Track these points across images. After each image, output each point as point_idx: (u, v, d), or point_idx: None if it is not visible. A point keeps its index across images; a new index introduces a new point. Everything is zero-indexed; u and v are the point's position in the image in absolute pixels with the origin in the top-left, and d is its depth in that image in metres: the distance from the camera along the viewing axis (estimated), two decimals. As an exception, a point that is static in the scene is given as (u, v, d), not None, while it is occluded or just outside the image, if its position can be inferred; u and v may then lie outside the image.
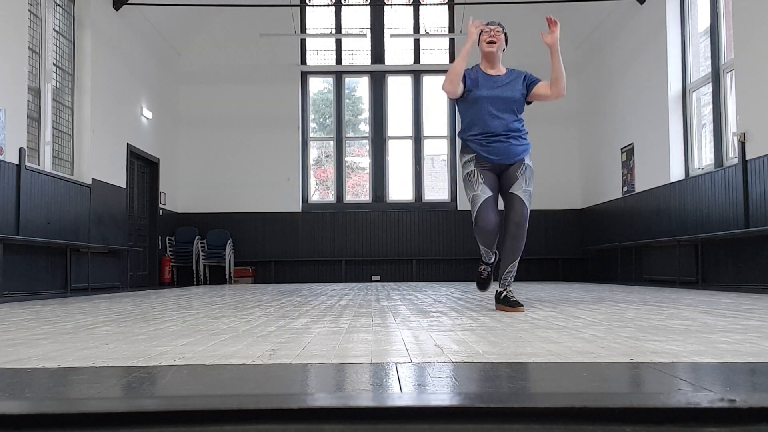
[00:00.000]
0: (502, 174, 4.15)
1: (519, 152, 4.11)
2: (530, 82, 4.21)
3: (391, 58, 13.17)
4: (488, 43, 4.17)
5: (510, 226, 4.08)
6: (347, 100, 13.50)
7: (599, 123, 11.81)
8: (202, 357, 1.95)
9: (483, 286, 4.54)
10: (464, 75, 4.20)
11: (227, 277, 12.33)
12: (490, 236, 4.14)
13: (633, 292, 6.73)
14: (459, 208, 12.79)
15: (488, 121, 4.10)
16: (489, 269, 4.49)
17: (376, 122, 13.11)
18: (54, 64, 8.34)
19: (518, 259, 4.20)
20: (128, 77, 10.34)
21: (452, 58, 13.08)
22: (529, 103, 4.25)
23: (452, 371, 1.70)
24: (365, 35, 12.79)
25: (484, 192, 4.06)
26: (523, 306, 3.99)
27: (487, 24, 4.25)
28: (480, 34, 4.22)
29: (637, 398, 0.63)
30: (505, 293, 4.07)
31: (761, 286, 6.76)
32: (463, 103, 4.25)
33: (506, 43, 4.29)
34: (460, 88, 4.19)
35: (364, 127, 13.46)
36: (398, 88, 13.27)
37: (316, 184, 13.59)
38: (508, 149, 4.09)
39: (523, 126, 4.19)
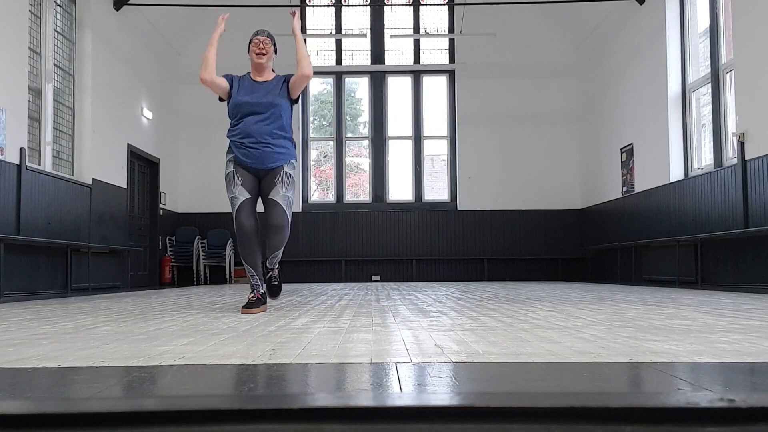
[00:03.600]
0: (261, 179, 4.26)
1: (276, 159, 4.21)
2: (286, 80, 4.35)
3: (391, 58, 13.17)
4: (257, 54, 4.34)
5: (270, 229, 4.20)
6: (347, 101, 13.50)
7: (599, 123, 11.81)
8: (202, 357, 1.95)
9: (253, 306, 4.10)
10: (231, 78, 4.38)
11: (228, 277, 12.33)
12: (250, 242, 4.17)
13: (632, 292, 6.73)
14: (459, 208, 12.80)
15: (248, 125, 4.21)
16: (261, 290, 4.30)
17: (376, 122, 13.11)
18: (54, 64, 8.34)
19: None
20: (128, 77, 10.34)
21: (452, 59, 13.09)
22: (296, 101, 4.39)
23: (452, 371, 1.70)
24: (365, 35, 12.79)
25: (241, 194, 4.18)
26: (277, 296, 4.37)
27: (257, 34, 4.40)
28: (250, 43, 4.40)
29: (636, 398, 0.63)
30: (273, 276, 4.32)
31: (761, 286, 6.77)
32: (230, 106, 4.35)
33: (275, 53, 4.47)
34: (222, 84, 4.32)
35: (364, 128, 13.46)
36: (398, 89, 13.27)
37: (316, 184, 13.59)
38: (265, 155, 4.20)
39: (285, 133, 4.28)
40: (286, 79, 4.36)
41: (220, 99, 4.46)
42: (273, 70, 4.44)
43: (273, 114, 4.22)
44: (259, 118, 4.20)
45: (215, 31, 4.42)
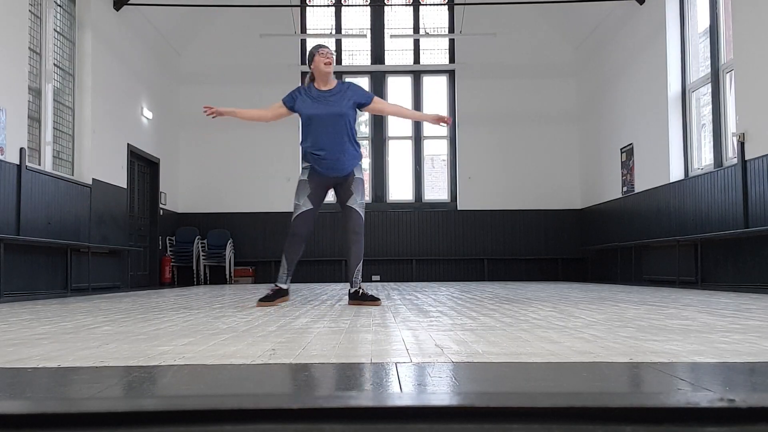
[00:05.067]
0: (335, 185, 4.77)
1: (347, 166, 4.66)
2: (359, 99, 4.71)
3: (391, 58, 13.17)
4: (326, 64, 4.67)
5: (349, 234, 4.72)
6: (347, 100, 13.49)
7: (599, 123, 11.81)
8: (202, 357, 1.95)
9: (269, 299, 4.59)
10: (293, 97, 4.75)
11: (227, 277, 12.34)
12: (297, 244, 4.66)
13: (632, 292, 6.73)
14: (459, 208, 12.80)
15: (320, 136, 4.60)
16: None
17: (376, 122, 13.12)
18: (54, 64, 8.35)
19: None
20: (128, 77, 10.34)
21: (452, 59, 13.09)
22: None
23: (452, 371, 1.70)
24: (365, 35, 12.79)
25: (305, 205, 4.69)
26: (379, 300, 4.65)
27: (321, 47, 4.73)
28: (312, 56, 4.72)
29: (636, 398, 0.63)
30: (360, 291, 4.66)
31: (760, 285, 6.77)
32: (302, 119, 4.74)
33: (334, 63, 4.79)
34: (283, 111, 4.79)
35: (364, 128, 13.46)
36: (398, 89, 13.27)
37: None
38: (337, 164, 4.62)
39: (352, 139, 4.68)
40: (355, 98, 4.68)
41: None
42: (335, 80, 4.80)
43: (341, 124, 4.60)
44: (329, 129, 4.58)
45: (227, 111, 4.80)
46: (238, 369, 1.74)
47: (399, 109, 5.54)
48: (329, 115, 4.56)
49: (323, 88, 4.68)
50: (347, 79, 13.31)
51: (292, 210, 4.75)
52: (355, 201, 4.72)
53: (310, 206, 4.68)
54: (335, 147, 4.57)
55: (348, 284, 4.76)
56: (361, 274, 4.78)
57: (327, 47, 4.74)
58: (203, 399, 0.63)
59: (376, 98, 4.84)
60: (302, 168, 4.81)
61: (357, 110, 4.71)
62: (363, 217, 4.78)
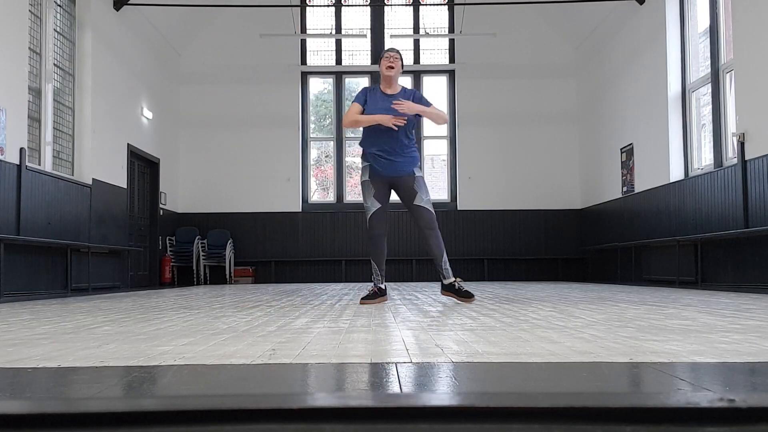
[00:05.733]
0: (396, 185, 4.83)
1: (407, 167, 4.75)
2: (418, 101, 4.81)
3: (391, 58, 13.15)
4: (387, 68, 4.81)
5: (425, 232, 4.80)
6: (347, 101, 13.49)
7: (599, 123, 11.81)
8: (202, 357, 1.95)
9: (370, 297, 4.81)
10: (364, 94, 4.84)
11: (227, 277, 12.34)
12: (379, 244, 4.81)
13: (632, 292, 6.73)
14: (459, 208, 12.80)
15: (381, 137, 4.70)
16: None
17: (376, 122, 13.10)
18: (54, 64, 8.35)
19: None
20: (128, 77, 10.34)
21: (452, 59, 13.09)
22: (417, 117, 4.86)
23: (452, 371, 1.70)
24: (365, 35, 12.79)
25: (374, 205, 4.81)
26: (473, 297, 4.73)
27: (387, 51, 4.92)
28: (380, 59, 4.91)
29: (636, 398, 0.63)
30: (456, 284, 4.72)
31: (760, 286, 6.77)
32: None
33: (402, 68, 4.95)
34: (360, 113, 4.81)
35: (364, 127, 13.44)
36: (398, 88, 13.25)
37: (316, 184, 13.59)
38: (397, 165, 4.73)
39: (412, 141, 4.81)
40: (415, 96, 4.83)
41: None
42: (399, 84, 4.91)
43: (402, 128, 4.68)
44: (390, 131, 4.67)
45: (378, 118, 4.69)
46: (238, 369, 1.74)
47: (430, 116, 5.07)
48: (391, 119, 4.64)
49: (388, 92, 4.81)
50: (347, 79, 13.35)
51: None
52: (421, 199, 4.77)
53: (378, 205, 4.80)
54: (394, 149, 4.69)
55: (441, 278, 4.83)
56: (449, 264, 4.82)
57: (395, 51, 4.89)
58: (203, 399, 0.63)
59: (433, 106, 4.87)
60: (362, 167, 4.91)
61: (417, 116, 4.81)
62: (433, 212, 4.83)
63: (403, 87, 4.91)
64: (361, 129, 4.85)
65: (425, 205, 4.78)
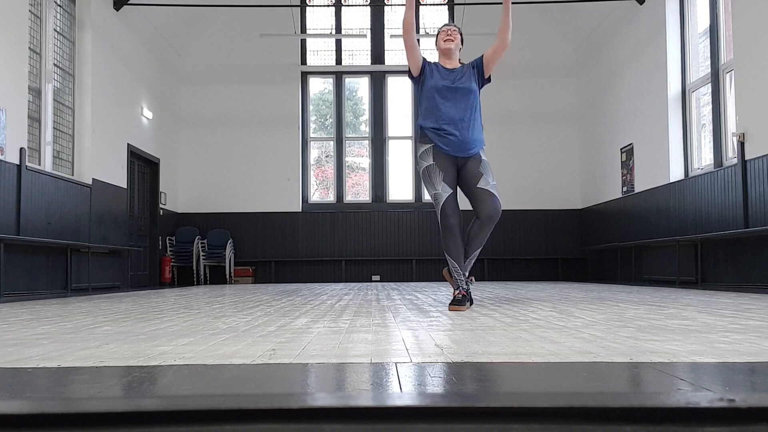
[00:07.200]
0: (460, 167, 4.24)
1: (474, 145, 4.21)
2: (477, 63, 4.46)
3: (391, 58, 13.17)
4: (445, 41, 4.42)
5: (485, 219, 4.16)
6: (348, 101, 13.50)
7: (599, 123, 11.81)
8: (202, 357, 1.95)
9: (461, 303, 4.06)
10: (425, 61, 4.40)
11: (227, 277, 12.34)
12: (456, 237, 4.17)
13: (632, 292, 6.73)
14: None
15: (447, 110, 4.22)
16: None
17: (376, 122, 13.12)
18: (54, 64, 8.35)
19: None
20: (128, 77, 10.34)
21: (452, 58, 13.07)
22: (488, 80, 4.46)
23: (452, 371, 1.70)
24: (365, 35, 12.79)
25: (445, 191, 4.16)
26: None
27: (445, 25, 4.52)
28: (437, 35, 4.49)
29: (636, 398, 0.63)
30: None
31: (761, 286, 6.77)
32: (425, 89, 4.37)
33: (462, 43, 4.52)
34: (419, 54, 4.36)
35: (364, 128, 13.46)
36: (398, 89, 13.27)
37: (316, 184, 13.59)
38: (465, 142, 4.19)
39: (479, 118, 4.31)
40: (475, 65, 4.43)
41: (410, 75, 4.45)
42: (459, 61, 4.49)
43: (470, 99, 4.26)
44: (460, 104, 4.23)
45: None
46: (238, 369, 1.74)
47: (505, 22, 4.53)
48: (459, 89, 4.25)
49: (449, 67, 4.38)
50: (347, 79, 13.36)
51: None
52: (487, 182, 4.16)
53: (450, 190, 4.15)
54: (464, 124, 4.18)
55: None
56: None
57: (452, 24, 4.51)
58: (203, 399, 0.63)
59: (485, 52, 4.50)
60: (420, 152, 4.28)
61: (482, 84, 4.41)
62: (500, 200, 4.21)
63: (462, 64, 4.49)
64: (422, 106, 4.34)
65: (492, 189, 4.16)
